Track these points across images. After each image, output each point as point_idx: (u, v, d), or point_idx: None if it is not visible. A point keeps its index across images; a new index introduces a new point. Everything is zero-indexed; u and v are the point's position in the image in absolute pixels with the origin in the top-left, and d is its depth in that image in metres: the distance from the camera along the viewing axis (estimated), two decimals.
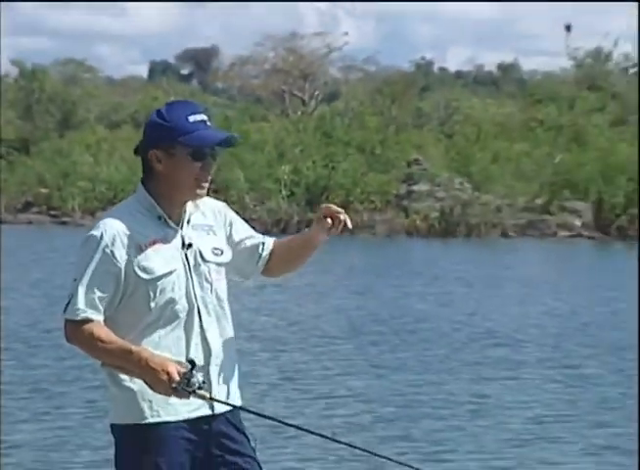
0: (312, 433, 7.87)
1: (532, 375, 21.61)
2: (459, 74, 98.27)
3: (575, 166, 60.88)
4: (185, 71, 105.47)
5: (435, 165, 62.60)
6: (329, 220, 6.78)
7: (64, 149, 68.91)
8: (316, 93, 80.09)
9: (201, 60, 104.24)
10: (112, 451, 6.75)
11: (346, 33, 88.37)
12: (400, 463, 8.44)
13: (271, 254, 7.00)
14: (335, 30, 73.95)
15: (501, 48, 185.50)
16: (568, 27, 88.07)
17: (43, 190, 65.28)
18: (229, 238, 6.93)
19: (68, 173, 64.78)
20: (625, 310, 30.04)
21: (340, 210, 6.84)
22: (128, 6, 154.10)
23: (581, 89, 75.27)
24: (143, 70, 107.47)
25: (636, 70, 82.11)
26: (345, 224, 6.83)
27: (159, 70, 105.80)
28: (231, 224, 6.94)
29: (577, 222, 59.37)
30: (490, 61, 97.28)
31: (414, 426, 17.15)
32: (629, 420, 17.80)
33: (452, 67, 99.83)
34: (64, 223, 59.70)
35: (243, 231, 6.97)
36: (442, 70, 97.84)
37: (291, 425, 7.74)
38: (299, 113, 74.04)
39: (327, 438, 7.73)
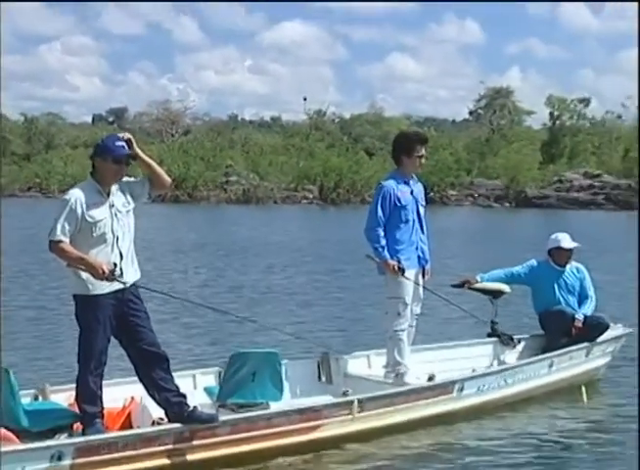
0: (175, 297, 8.27)
1: (279, 272, 20.50)
2: (251, 122, 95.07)
3: (309, 168, 60.46)
4: (110, 119, 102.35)
5: (240, 167, 61.53)
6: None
7: (48, 159, 66.76)
8: (179, 131, 79.29)
9: (118, 113, 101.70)
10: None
11: (194, 100, 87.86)
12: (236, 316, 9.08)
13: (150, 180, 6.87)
14: (187, 99, 73.18)
15: (272, 108, 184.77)
16: (305, 98, 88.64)
17: (37, 180, 63.25)
18: (129, 185, 6.78)
19: (50, 171, 62.85)
20: (347, 241, 27.27)
21: (127, 135, 6.75)
22: (78, 84, 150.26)
23: (312, 130, 74.35)
24: (89, 119, 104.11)
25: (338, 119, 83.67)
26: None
27: (97, 118, 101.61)
28: (128, 181, 6.75)
29: (311, 195, 59.01)
30: (267, 114, 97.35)
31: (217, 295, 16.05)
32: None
33: (247, 117, 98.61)
34: (49, 197, 57.97)
35: (131, 180, 6.79)
36: (243, 119, 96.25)
37: (162, 293, 7.82)
38: (171, 141, 73.07)
39: (186, 300, 8.32)
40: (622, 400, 9.16)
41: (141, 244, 6.96)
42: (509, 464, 7.19)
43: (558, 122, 68.01)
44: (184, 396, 6.82)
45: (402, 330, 8.45)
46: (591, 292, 9.80)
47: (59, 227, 6.48)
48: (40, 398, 7.18)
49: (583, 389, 8.77)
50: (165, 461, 6.59)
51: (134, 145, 6.75)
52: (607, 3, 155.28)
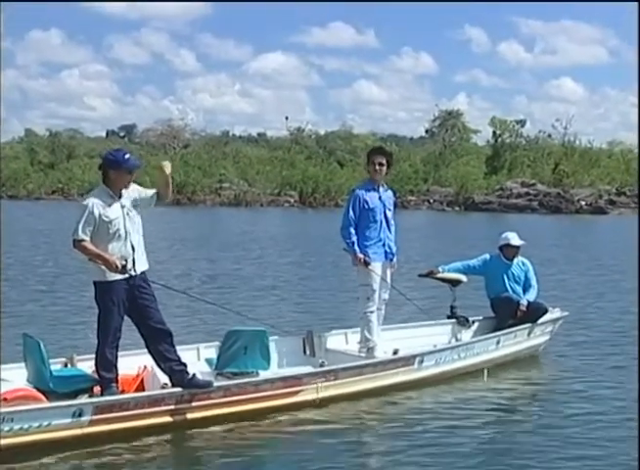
0: (176, 290, 7.98)
1: (262, 261, 20.16)
2: (240, 137, 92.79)
3: (291, 176, 59.82)
4: (122, 134, 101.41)
5: (231, 175, 61.04)
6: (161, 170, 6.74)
7: (69, 167, 66.55)
8: (180, 144, 78.60)
9: (128, 129, 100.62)
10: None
11: (192, 118, 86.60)
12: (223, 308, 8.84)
13: (158, 192, 6.82)
14: (187, 117, 72.41)
15: (258, 125, 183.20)
16: (286, 117, 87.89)
17: (60, 185, 62.72)
18: (140, 194, 6.76)
19: (71, 178, 62.51)
20: (321, 237, 26.98)
21: (166, 164, 6.78)
22: (94, 105, 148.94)
23: (293, 144, 73.65)
24: (103, 134, 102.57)
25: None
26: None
27: (110, 133, 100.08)
28: (137, 189, 6.78)
29: (292, 200, 58.22)
30: (254, 131, 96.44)
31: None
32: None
33: (237, 133, 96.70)
34: (69, 200, 57.18)
35: (142, 189, 6.81)
36: (234, 135, 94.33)
37: (168, 287, 7.60)
38: (173, 153, 72.42)
39: (187, 294, 8.38)
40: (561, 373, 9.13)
41: (147, 239, 6.95)
42: (461, 425, 7.12)
43: (499, 140, 68.08)
44: (185, 365, 6.88)
45: (372, 312, 8.51)
46: (534, 282, 9.84)
47: (80, 228, 6.53)
48: (69, 365, 7.31)
49: (485, 372, 8.73)
50: (169, 419, 6.68)
51: (170, 170, 6.82)
52: (538, 43, 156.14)
